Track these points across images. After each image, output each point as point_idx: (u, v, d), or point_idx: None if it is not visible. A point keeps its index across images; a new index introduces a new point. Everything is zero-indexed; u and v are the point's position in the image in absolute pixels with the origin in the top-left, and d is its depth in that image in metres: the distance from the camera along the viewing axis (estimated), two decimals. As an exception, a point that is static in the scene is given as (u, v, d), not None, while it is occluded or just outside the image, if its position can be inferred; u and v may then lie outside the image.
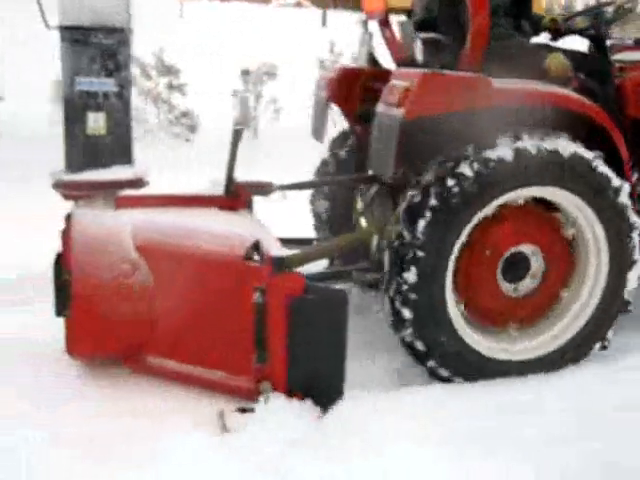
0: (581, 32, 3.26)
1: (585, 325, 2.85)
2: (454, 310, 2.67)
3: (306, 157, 4.27)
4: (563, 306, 2.90)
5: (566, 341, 2.84)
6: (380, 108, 2.69)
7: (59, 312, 2.63)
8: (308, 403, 2.35)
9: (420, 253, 2.52)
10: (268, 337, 2.31)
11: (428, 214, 2.52)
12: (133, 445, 2.18)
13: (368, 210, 3.34)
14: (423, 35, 3.09)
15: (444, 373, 2.67)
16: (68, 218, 2.63)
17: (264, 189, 3.13)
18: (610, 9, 3.19)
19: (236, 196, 3.01)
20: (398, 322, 2.61)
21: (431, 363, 2.65)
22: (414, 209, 2.56)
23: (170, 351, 2.53)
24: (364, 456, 2.18)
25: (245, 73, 8.54)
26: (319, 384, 2.34)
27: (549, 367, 2.81)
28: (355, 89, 3.36)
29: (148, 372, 2.57)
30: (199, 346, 2.51)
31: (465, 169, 2.53)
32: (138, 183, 2.77)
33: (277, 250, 2.39)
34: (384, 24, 3.37)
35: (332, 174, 3.62)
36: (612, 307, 2.86)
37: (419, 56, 3.08)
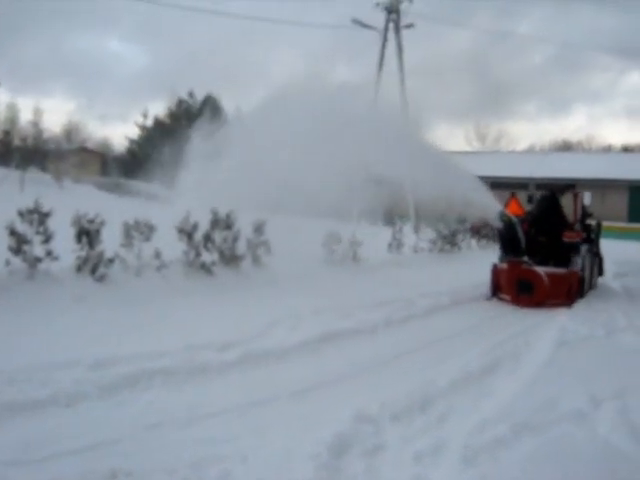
0: None
1: None
2: None
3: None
4: None
5: None
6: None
7: (520, 293, 11.27)
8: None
9: None
10: (572, 289, 11.47)
11: None
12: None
13: None
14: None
15: None
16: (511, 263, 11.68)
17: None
18: None
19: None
20: None
21: None
22: None
23: (548, 298, 11.16)
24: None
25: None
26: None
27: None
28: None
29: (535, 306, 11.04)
30: (554, 294, 11.18)
31: None
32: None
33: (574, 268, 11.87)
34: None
35: None
36: None
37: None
